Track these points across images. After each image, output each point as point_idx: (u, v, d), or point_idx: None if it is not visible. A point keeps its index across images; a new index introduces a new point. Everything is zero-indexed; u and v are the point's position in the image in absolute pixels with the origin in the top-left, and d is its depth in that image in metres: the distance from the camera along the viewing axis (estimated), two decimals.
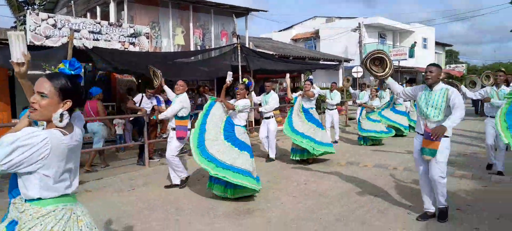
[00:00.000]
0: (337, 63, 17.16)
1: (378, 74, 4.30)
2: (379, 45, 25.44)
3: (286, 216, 4.44)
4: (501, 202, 4.65)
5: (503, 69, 6.40)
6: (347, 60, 19.70)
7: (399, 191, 5.30)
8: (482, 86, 6.61)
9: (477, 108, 17.97)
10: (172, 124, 5.73)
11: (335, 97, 9.86)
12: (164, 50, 11.72)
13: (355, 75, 19.39)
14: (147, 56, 9.44)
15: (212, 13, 13.04)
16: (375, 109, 9.77)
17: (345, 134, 11.69)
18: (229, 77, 5.62)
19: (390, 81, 4.46)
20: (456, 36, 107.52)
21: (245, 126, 5.83)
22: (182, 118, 5.69)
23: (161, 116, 5.98)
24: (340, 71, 18.59)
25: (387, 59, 4.29)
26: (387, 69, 4.25)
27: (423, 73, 4.11)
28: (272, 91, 7.91)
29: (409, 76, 28.84)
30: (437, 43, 32.90)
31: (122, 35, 9.98)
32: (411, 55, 25.07)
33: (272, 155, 7.76)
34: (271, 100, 7.71)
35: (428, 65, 4.11)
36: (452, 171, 6.19)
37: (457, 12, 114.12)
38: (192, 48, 12.37)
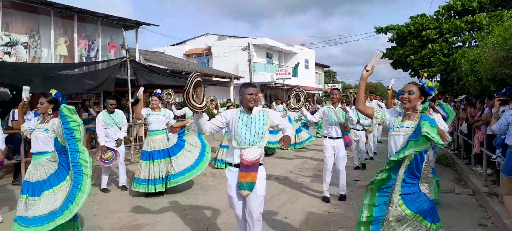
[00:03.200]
0: (228, 80, 17.82)
1: (197, 105, 3.22)
2: (266, 64, 27.18)
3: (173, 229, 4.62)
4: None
5: (337, 87, 6.78)
6: (238, 78, 20.61)
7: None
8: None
9: None
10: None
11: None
12: (44, 61, 10.84)
13: None
14: (23, 67, 8.68)
15: (99, 24, 12.51)
16: None
17: None
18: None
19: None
20: (334, 58, 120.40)
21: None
22: None
23: None
24: (231, 88, 19.33)
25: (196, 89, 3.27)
26: (204, 102, 3.31)
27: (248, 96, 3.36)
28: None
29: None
30: (317, 64, 36.39)
31: None
32: (295, 74, 27.40)
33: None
34: None
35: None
36: None
37: (333, 37, 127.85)
38: (76, 60, 11.68)
